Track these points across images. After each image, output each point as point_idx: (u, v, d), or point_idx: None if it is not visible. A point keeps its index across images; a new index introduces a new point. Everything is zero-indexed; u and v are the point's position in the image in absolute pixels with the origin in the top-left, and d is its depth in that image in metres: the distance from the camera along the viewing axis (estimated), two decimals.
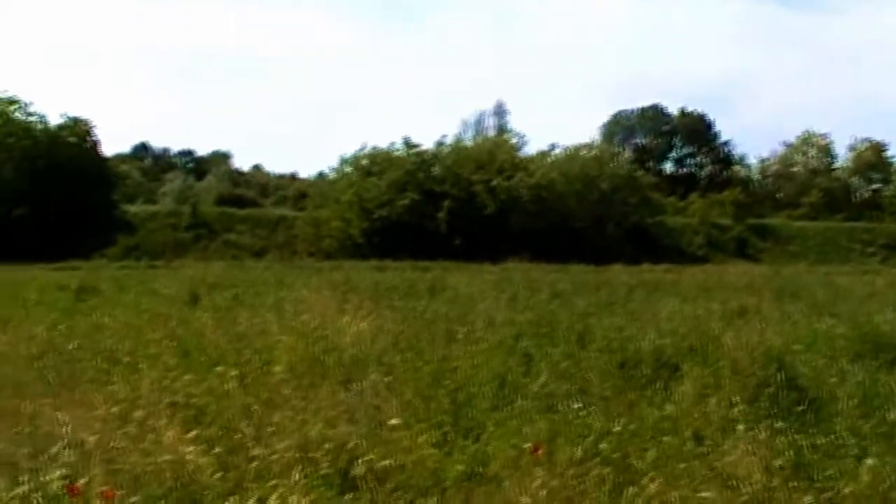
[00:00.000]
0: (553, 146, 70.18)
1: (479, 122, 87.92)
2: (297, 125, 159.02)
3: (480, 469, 6.66)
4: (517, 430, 7.44)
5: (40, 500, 5.09)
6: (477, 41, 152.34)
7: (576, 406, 8.49)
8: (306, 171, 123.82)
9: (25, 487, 5.14)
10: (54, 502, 5.12)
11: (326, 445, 6.64)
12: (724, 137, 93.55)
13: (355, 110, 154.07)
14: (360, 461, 6.42)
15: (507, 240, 55.60)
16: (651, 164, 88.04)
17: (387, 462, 6.46)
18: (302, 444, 6.70)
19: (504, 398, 8.94)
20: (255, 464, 6.52)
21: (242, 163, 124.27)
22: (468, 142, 75.68)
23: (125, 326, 13.90)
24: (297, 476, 6.19)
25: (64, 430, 6.58)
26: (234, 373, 9.32)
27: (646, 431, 7.60)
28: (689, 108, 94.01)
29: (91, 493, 5.20)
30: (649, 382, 9.81)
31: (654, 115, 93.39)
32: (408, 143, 67.05)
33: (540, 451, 6.54)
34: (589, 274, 35.24)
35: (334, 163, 72.42)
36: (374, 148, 67.97)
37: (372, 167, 65.94)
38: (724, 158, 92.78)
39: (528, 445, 6.72)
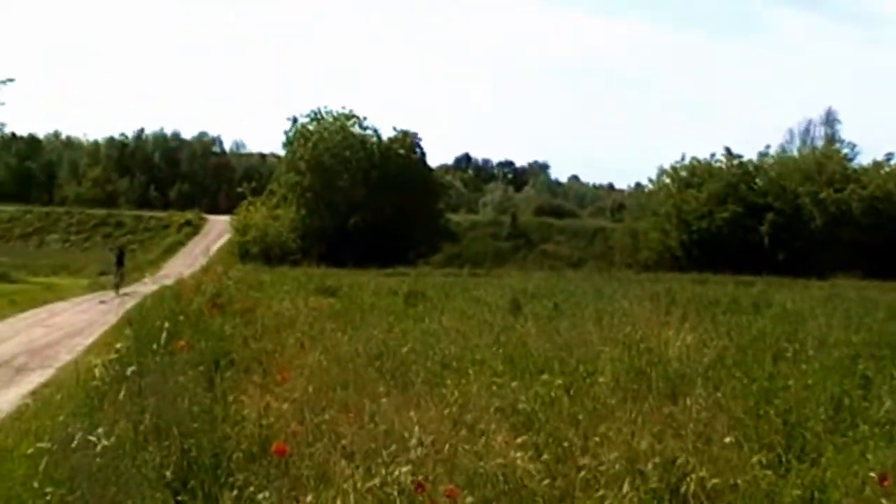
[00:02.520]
0: (890, 156, 65.39)
1: (806, 131, 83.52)
2: (613, 136, 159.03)
3: (818, 495, 6.33)
4: (859, 456, 6.99)
5: (392, 493, 5.41)
6: (809, 47, 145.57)
7: None
8: (623, 182, 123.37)
9: (377, 481, 5.47)
10: (403, 497, 5.41)
11: (655, 459, 6.56)
12: None
13: (675, 121, 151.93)
14: (690, 478, 6.28)
15: (837, 255, 52.69)
16: None
17: (718, 480, 6.28)
18: (630, 456, 6.65)
19: (841, 422, 8.43)
20: (582, 473, 6.54)
21: (560, 173, 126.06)
22: (794, 152, 72.32)
23: (452, 332, 14.40)
24: (626, 488, 6.15)
25: (403, 428, 6.92)
26: (559, 381, 9.41)
27: None
28: None
29: (435, 491, 5.46)
30: None
31: None
32: (729, 154, 65.17)
33: (888, 482, 6.11)
34: None
35: (652, 174, 71.70)
36: (694, 159, 66.63)
37: (691, 178, 64.68)
38: None
39: (873, 474, 6.29)
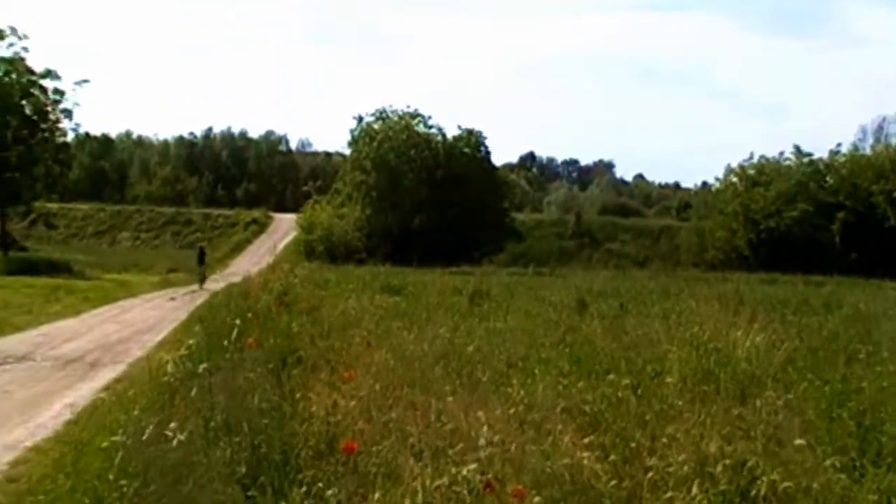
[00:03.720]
0: None
1: (879, 128, 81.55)
2: (679, 134, 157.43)
3: (895, 501, 6.20)
4: None
5: (461, 492, 5.42)
6: (882, 42, 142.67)
7: None
8: (689, 181, 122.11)
9: (446, 479, 5.49)
10: (472, 496, 5.43)
11: (725, 461, 6.47)
12: None
13: (743, 119, 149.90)
14: (761, 480, 6.19)
15: None
16: None
17: (789, 484, 6.17)
18: (699, 458, 6.57)
19: None
20: (650, 474, 6.48)
21: (625, 172, 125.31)
22: (867, 150, 70.78)
23: (518, 331, 14.37)
24: (695, 490, 6.08)
25: (470, 427, 6.92)
26: (625, 381, 9.33)
27: None
28: None
29: (503, 490, 5.46)
30: None
31: None
32: (799, 153, 64.11)
33: None
34: None
35: (718, 173, 70.75)
36: (762, 157, 65.67)
37: (759, 177, 63.77)
38: None
39: None
